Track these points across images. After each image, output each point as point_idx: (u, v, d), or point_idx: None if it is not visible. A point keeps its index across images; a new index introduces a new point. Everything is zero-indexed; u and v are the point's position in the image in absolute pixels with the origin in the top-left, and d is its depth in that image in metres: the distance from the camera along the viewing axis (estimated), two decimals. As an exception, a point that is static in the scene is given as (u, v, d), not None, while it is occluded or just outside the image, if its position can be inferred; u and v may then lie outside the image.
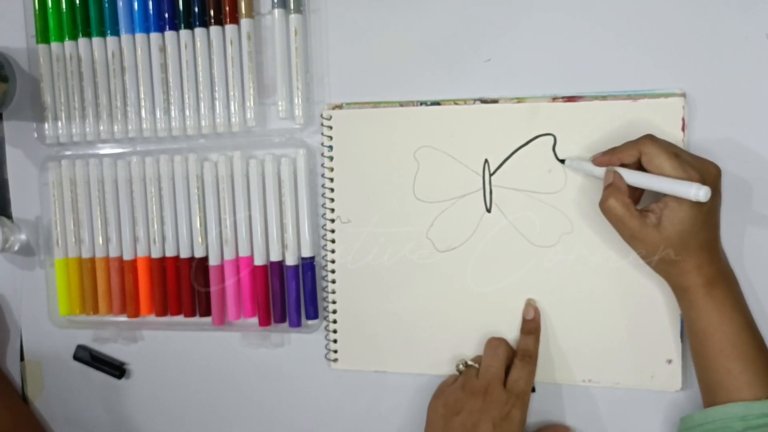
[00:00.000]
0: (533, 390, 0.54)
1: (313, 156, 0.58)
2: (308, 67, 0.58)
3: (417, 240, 0.57)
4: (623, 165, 0.48)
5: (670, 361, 0.52)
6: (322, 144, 0.58)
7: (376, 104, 0.57)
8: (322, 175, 0.58)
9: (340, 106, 0.57)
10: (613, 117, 0.52)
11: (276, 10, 0.57)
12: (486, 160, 0.55)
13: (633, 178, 0.46)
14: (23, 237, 0.67)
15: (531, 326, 0.54)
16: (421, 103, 0.56)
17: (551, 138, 0.53)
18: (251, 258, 0.60)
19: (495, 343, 0.54)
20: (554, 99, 0.53)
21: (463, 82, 0.55)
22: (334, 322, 0.59)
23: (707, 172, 0.46)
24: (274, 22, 0.57)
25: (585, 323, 0.54)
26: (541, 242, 0.54)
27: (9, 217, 0.67)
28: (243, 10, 0.58)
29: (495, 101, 0.54)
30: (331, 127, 0.57)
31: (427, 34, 0.56)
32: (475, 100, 0.55)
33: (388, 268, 0.57)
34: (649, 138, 0.47)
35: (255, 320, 0.61)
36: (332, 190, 0.58)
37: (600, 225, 0.51)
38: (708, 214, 0.46)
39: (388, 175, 0.57)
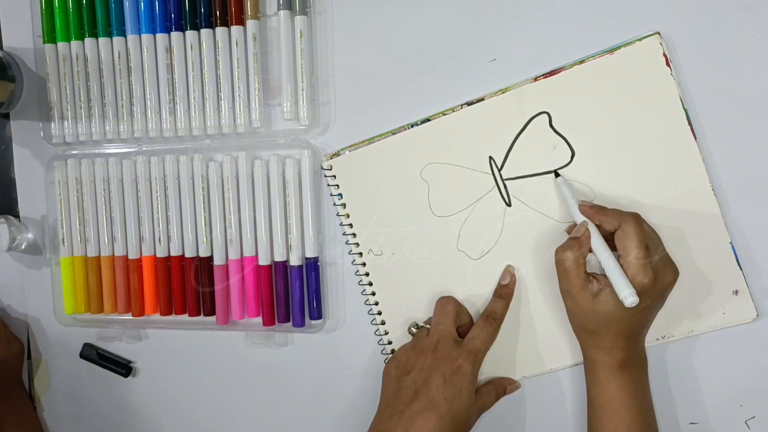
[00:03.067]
0: None
1: (317, 157, 0.59)
2: (313, 69, 0.58)
3: (449, 255, 0.57)
4: (599, 226, 0.49)
5: (736, 292, 0.52)
6: (331, 194, 0.58)
7: (370, 140, 0.57)
8: (338, 214, 0.59)
9: (337, 154, 0.58)
10: (598, 76, 0.52)
11: (281, 12, 0.57)
12: (491, 158, 0.55)
13: (596, 244, 0.48)
14: (30, 236, 0.67)
15: (504, 291, 0.55)
16: (412, 125, 0.56)
17: (546, 116, 0.53)
18: (255, 258, 0.60)
19: (444, 301, 0.55)
20: (536, 78, 0.53)
21: (470, 81, 0.56)
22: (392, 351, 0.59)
23: (662, 278, 0.47)
24: (279, 24, 0.57)
25: None
26: (568, 218, 0.54)
27: (16, 216, 0.68)
28: (249, 12, 0.58)
29: (481, 99, 0.55)
30: (334, 176, 0.58)
31: (433, 35, 0.56)
32: (462, 105, 0.55)
33: (431, 290, 0.57)
34: (635, 218, 0.47)
35: (259, 320, 0.61)
36: (352, 226, 0.58)
37: (620, 182, 0.52)
38: (642, 311, 0.47)
39: (403, 203, 0.57)
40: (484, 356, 0.53)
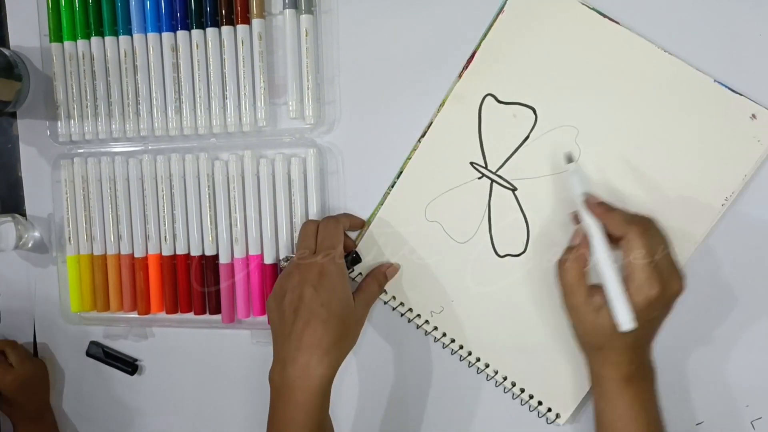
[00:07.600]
0: (359, 258, 0.57)
1: (323, 156, 0.59)
2: (319, 68, 0.58)
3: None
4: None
5: None
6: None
7: (368, 222, 0.58)
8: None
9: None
10: (511, 30, 0.53)
11: (287, 11, 0.57)
12: (472, 163, 0.55)
13: (599, 255, 0.45)
14: (36, 234, 0.67)
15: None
16: (392, 185, 0.57)
17: (491, 97, 0.54)
18: (261, 256, 0.60)
19: (304, 224, 0.56)
20: (460, 75, 0.54)
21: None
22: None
23: (669, 288, 0.45)
24: (285, 23, 0.57)
25: None
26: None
27: (23, 214, 0.68)
28: (254, 11, 0.58)
29: (430, 124, 0.56)
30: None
31: (437, 34, 0.56)
32: (419, 139, 0.56)
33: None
34: (642, 228, 0.45)
35: (264, 318, 0.61)
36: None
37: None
38: (648, 323, 0.46)
39: (427, 245, 0.57)
40: (341, 246, 0.53)
